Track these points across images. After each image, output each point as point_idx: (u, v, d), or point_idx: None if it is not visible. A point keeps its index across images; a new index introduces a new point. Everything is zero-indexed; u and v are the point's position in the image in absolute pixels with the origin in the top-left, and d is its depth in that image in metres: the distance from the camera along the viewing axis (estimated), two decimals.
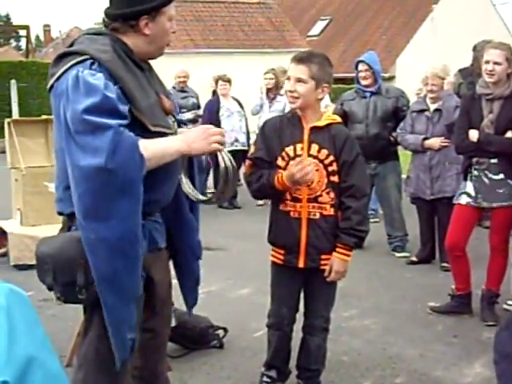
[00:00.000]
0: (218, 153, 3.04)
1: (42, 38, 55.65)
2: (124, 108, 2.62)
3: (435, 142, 7.01)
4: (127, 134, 2.54)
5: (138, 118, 2.73)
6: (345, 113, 7.71)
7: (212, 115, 10.67)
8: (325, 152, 3.80)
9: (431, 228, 7.32)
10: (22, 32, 30.18)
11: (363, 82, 7.70)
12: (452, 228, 5.73)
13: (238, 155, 10.73)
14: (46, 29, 51.15)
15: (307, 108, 3.84)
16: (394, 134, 7.56)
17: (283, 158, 3.86)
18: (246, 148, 10.63)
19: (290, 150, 3.85)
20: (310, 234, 3.84)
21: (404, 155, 7.98)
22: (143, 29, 2.84)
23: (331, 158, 3.80)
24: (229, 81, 10.91)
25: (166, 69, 16.54)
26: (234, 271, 7.18)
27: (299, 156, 3.81)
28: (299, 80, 3.76)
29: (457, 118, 6.13)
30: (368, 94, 7.69)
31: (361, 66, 7.72)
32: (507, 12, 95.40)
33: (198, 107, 11.30)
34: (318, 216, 3.83)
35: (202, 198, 3.11)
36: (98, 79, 2.59)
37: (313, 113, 3.87)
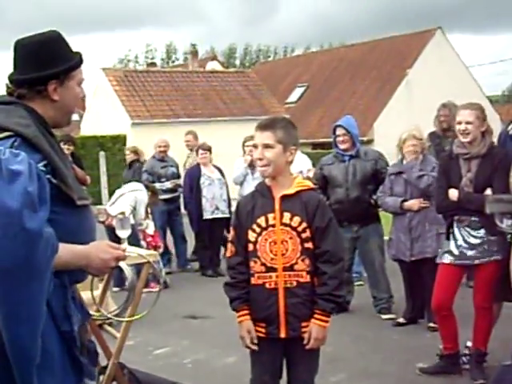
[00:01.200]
0: (121, 266, 2.98)
1: None
2: (45, 194, 2.39)
3: (414, 203, 7.06)
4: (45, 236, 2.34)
5: (66, 193, 2.60)
6: (324, 177, 7.77)
7: (193, 183, 10.72)
8: (297, 219, 3.79)
9: (416, 288, 7.30)
10: None
11: (341, 146, 7.77)
12: (437, 288, 5.73)
13: (219, 223, 10.77)
14: None
15: (278, 175, 3.86)
16: (374, 197, 7.62)
17: (254, 231, 3.85)
18: (226, 216, 10.68)
19: (261, 220, 3.84)
20: (288, 303, 3.80)
21: (385, 217, 8.02)
22: (52, 94, 2.71)
23: (304, 224, 3.79)
24: (209, 149, 10.98)
25: (147, 138, 16.65)
26: (220, 339, 7.10)
27: (272, 226, 3.81)
28: (266, 146, 3.78)
29: (436, 178, 6.20)
30: (347, 158, 7.76)
31: (338, 131, 7.80)
32: (481, 74, 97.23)
33: (178, 176, 11.35)
34: (294, 284, 3.80)
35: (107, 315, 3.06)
36: (21, 163, 2.33)
37: (284, 179, 3.88)
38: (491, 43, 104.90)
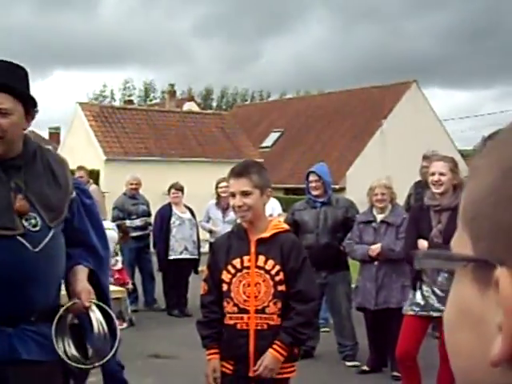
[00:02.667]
0: (90, 313, 2.96)
1: None
2: None
3: (378, 246, 7.09)
4: None
5: None
6: (296, 222, 7.81)
7: (163, 223, 10.71)
8: (271, 263, 3.84)
9: (380, 337, 7.31)
10: None
11: (314, 193, 7.84)
12: (402, 338, 5.75)
13: (187, 263, 10.75)
14: None
15: (256, 218, 3.91)
16: (343, 244, 7.66)
17: (229, 272, 3.88)
18: (194, 257, 10.69)
19: (236, 262, 3.88)
20: (258, 344, 3.84)
21: (354, 265, 8.05)
22: None
23: (278, 267, 3.84)
24: (181, 189, 10.99)
25: (120, 175, 16.64)
26: (183, 380, 7.05)
27: (246, 268, 3.85)
28: (244, 193, 3.83)
29: (406, 228, 6.26)
30: (318, 204, 7.82)
31: (311, 177, 7.88)
32: (453, 127, 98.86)
33: (149, 214, 11.33)
34: (265, 327, 3.84)
35: (75, 364, 2.97)
36: None
37: (260, 223, 3.94)
38: (465, 98, 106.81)
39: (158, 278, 11.14)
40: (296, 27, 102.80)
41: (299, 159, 33.75)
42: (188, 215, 10.92)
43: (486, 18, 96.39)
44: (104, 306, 3.02)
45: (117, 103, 55.56)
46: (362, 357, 7.70)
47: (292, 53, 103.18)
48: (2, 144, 2.90)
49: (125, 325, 9.03)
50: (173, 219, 10.74)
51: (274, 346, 3.83)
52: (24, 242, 2.88)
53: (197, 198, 14.48)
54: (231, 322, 3.88)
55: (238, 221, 4.21)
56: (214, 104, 70.48)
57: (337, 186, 28.76)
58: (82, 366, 2.99)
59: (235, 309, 3.86)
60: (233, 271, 3.88)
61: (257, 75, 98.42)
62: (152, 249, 11.28)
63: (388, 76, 74.48)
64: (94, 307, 2.97)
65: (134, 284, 10.71)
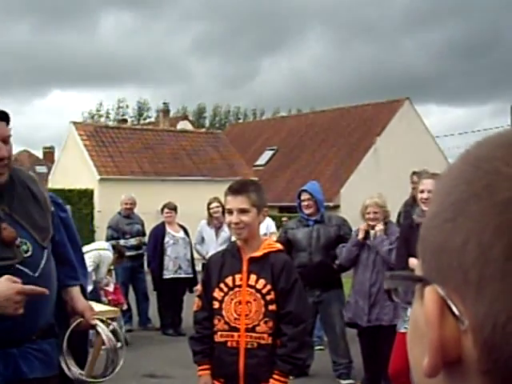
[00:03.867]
0: (98, 328, 3.05)
1: None
2: None
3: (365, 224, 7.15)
4: None
5: None
6: (288, 241, 7.84)
7: (157, 242, 10.74)
8: (262, 282, 3.86)
9: (374, 354, 7.31)
10: None
11: (306, 211, 7.87)
12: (395, 355, 5.77)
13: (181, 282, 10.77)
14: None
15: (251, 237, 3.93)
16: (336, 262, 7.69)
17: (221, 289, 3.91)
18: (189, 276, 10.71)
19: (229, 280, 3.91)
20: (247, 363, 3.84)
21: (347, 283, 8.07)
22: None
23: (268, 286, 3.86)
24: (174, 208, 11.02)
25: (114, 194, 16.65)
26: None
27: (238, 286, 3.88)
28: (242, 210, 3.84)
29: (396, 246, 6.30)
30: (311, 223, 7.85)
31: (303, 196, 7.91)
32: (446, 144, 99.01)
33: (143, 234, 11.36)
34: (255, 345, 3.85)
35: (82, 378, 3.09)
36: None
37: (253, 242, 3.96)
38: (462, 114, 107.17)
39: (153, 297, 11.15)
40: (294, 44, 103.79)
41: (293, 177, 33.83)
42: (182, 234, 10.95)
43: (481, 35, 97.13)
44: (106, 320, 3.12)
45: (112, 123, 55.50)
46: (358, 374, 7.71)
47: (289, 71, 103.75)
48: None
49: (119, 344, 9.02)
50: (166, 238, 10.76)
51: (275, 377, 3.84)
52: (23, 269, 2.93)
53: (192, 216, 14.50)
54: (221, 340, 3.90)
55: (233, 239, 4.23)
56: (207, 122, 70.63)
57: (331, 204, 28.82)
58: (99, 380, 3.09)
59: (226, 326, 3.87)
60: (225, 289, 3.90)
61: (253, 93, 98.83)
62: (146, 268, 11.29)
63: (384, 93, 74.79)
64: (99, 323, 3.06)
65: (128, 304, 10.71)
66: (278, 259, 3.97)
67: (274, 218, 10.31)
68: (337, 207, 29.70)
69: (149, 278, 11.18)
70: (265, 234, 8.66)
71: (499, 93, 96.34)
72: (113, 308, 8.90)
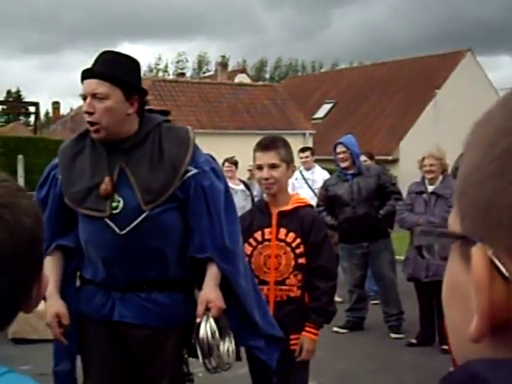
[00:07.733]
0: (202, 322, 3.08)
1: (51, 114, 56.29)
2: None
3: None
4: None
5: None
6: (330, 198, 7.80)
7: None
8: (292, 235, 3.89)
9: (430, 310, 7.25)
10: (32, 108, 30.47)
11: (342, 165, 7.81)
12: None
13: None
14: (55, 106, 51.76)
15: (279, 192, 3.96)
16: (381, 212, 7.63)
17: (250, 244, 3.94)
18: None
19: (258, 234, 3.96)
20: (277, 315, 3.83)
21: (404, 237, 8.00)
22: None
23: (298, 240, 3.88)
24: (235, 163, 11.05)
25: None
26: None
27: (267, 240, 3.92)
28: (272, 166, 3.87)
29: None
30: (350, 177, 7.79)
31: (339, 148, 7.85)
32: None
33: None
34: (285, 298, 3.90)
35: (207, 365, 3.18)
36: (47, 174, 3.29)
37: (282, 197, 3.99)
38: None
39: None
40: None
41: (352, 130, 33.44)
42: (241, 186, 10.97)
43: None
44: (221, 321, 3.17)
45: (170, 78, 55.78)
46: (410, 329, 7.67)
47: (360, 21, 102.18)
48: (101, 129, 3.06)
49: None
50: None
51: (308, 329, 3.89)
52: (111, 224, 3.08)
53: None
54: None
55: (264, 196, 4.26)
56: (267, 76, 70.35)
57: (390, 158, 28.56)
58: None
59: (255, 280, 3.88)
60: (254, 244, 3.95)
61: (324, 44, 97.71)
62: None
63: (457, 42, 73.02)
64: (209, 319, 3.08)
65: None
66: (308, 214, 4.01)
67: (331, 171, 10.18)
68: (396, 161, 29.39)
69: None
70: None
71: None
72: None
